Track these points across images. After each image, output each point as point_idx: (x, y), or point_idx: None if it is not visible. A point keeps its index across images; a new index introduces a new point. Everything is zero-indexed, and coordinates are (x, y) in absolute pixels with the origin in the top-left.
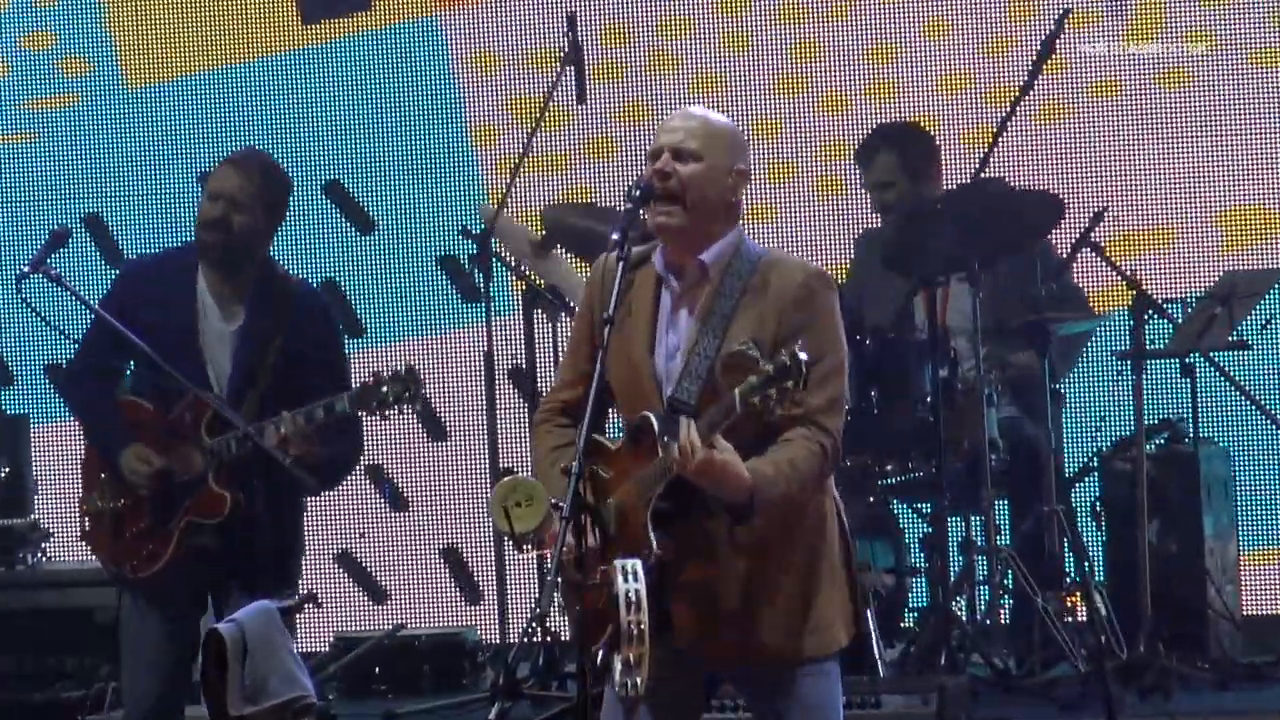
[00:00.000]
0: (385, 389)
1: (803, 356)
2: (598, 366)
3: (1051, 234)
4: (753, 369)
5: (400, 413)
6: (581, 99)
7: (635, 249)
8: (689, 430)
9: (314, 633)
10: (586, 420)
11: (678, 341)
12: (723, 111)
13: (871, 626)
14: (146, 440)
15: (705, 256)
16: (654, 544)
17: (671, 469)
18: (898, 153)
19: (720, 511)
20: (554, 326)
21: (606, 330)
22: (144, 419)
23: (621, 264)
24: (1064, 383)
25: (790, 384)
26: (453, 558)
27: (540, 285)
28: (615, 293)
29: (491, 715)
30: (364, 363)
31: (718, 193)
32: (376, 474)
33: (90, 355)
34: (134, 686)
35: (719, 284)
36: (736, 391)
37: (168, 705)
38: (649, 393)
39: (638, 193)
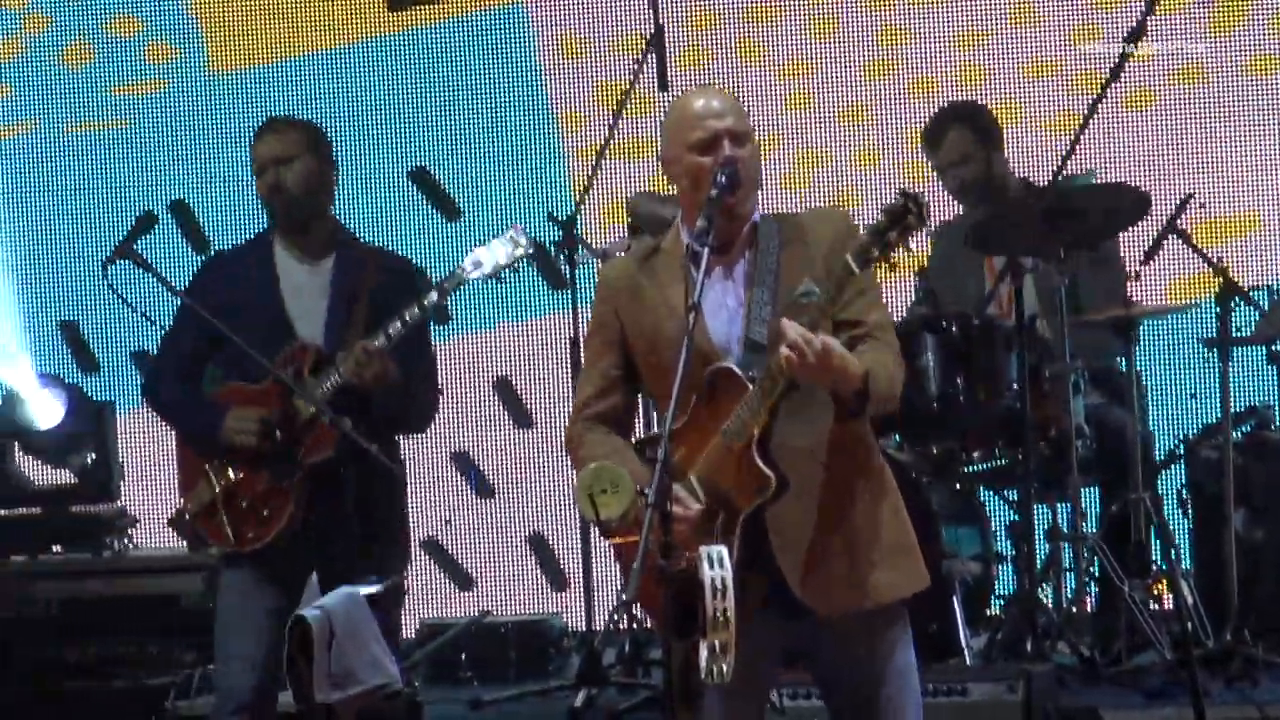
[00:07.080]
0: (512, 249)
1: (911, 192)
2: (683, 354)
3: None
4: (818, 307)
5: (515, 271)
6: (664, 85)
7: (642, 244)
8: (795, 327)
9: (400, 619)
10: (672, 407)
11: (736, 304)
12: (809, 95)
13: (958, 614)
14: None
15: (755, 218)
16: (771, 475)
17: (777, 381)
18: (969, 126)
19: (809, 443)
20: None
21: (691, 317)
22: (249, 396)
23: (708, 250)
24: (1148, 372)
25: (912, 219)
26: (539, 544)
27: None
28: (700, 281)
29: (577, 702)
30: (449, 351)
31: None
32: (463, 461)
33: (171, 355)
34: (230, 674)
35: (759, 242)
36: (850, 255)
37: (264, 693)
38: (708, 357)
39: (724, 179)
